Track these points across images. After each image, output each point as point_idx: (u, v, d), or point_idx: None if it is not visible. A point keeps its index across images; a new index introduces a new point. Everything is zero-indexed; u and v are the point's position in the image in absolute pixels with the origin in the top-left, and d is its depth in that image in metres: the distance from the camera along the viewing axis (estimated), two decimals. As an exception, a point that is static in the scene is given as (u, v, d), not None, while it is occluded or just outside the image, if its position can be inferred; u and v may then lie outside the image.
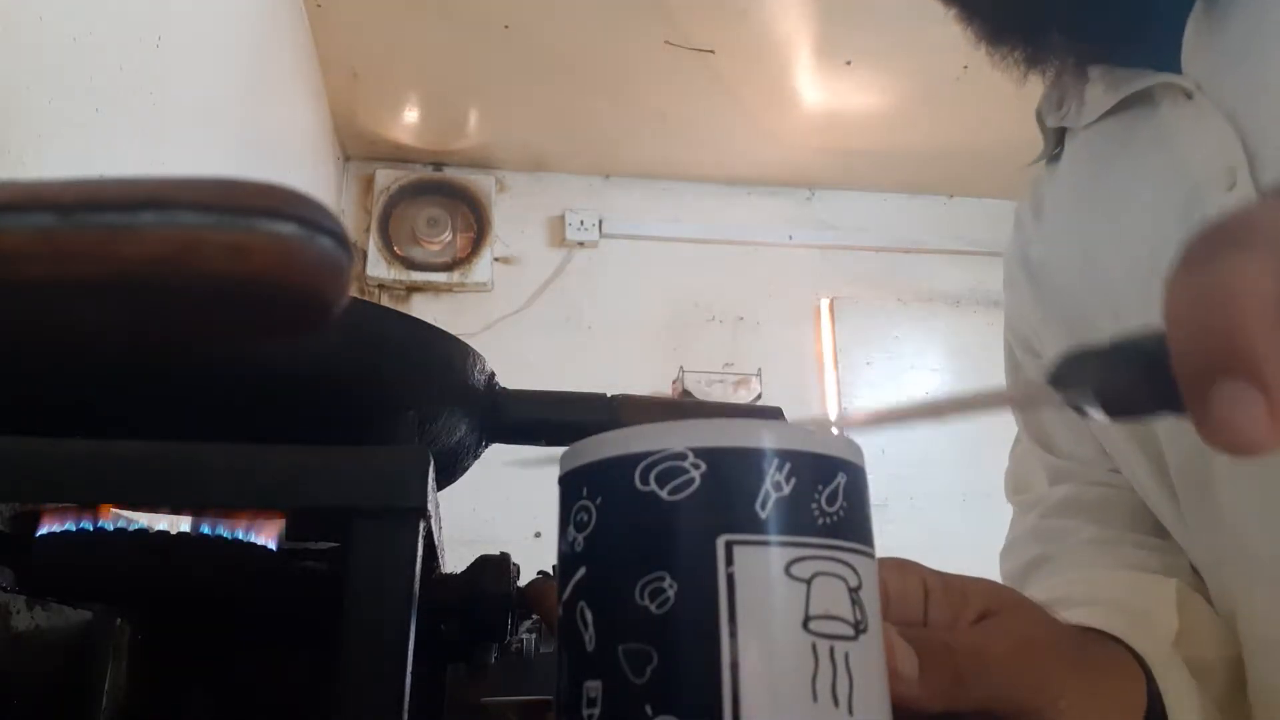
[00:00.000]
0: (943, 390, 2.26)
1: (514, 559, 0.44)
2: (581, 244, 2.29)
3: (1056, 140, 0.63)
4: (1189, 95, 0.50)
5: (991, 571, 0.42)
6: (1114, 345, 0.31)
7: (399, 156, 2.26)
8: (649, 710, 0.23)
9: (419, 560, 0.33)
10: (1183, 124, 0.50)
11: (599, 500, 0.25)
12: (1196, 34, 0.50)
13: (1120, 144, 0.56)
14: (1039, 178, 0.66)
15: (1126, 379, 0.29)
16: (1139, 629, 0.43)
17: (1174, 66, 0.51)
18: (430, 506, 0.35)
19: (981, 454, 2.12)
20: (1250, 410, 0.23)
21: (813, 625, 0.24)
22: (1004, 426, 0.69)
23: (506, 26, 1.81)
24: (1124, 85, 0.54)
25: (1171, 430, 0.50)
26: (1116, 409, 0.30)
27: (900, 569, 0.36)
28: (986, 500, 1.94)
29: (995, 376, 0.79)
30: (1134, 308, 0.52)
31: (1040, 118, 0.63)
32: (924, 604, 0.36)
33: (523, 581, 0.47)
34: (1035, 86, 0.68)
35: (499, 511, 1.76)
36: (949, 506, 2.06)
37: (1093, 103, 0.57)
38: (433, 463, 0.34)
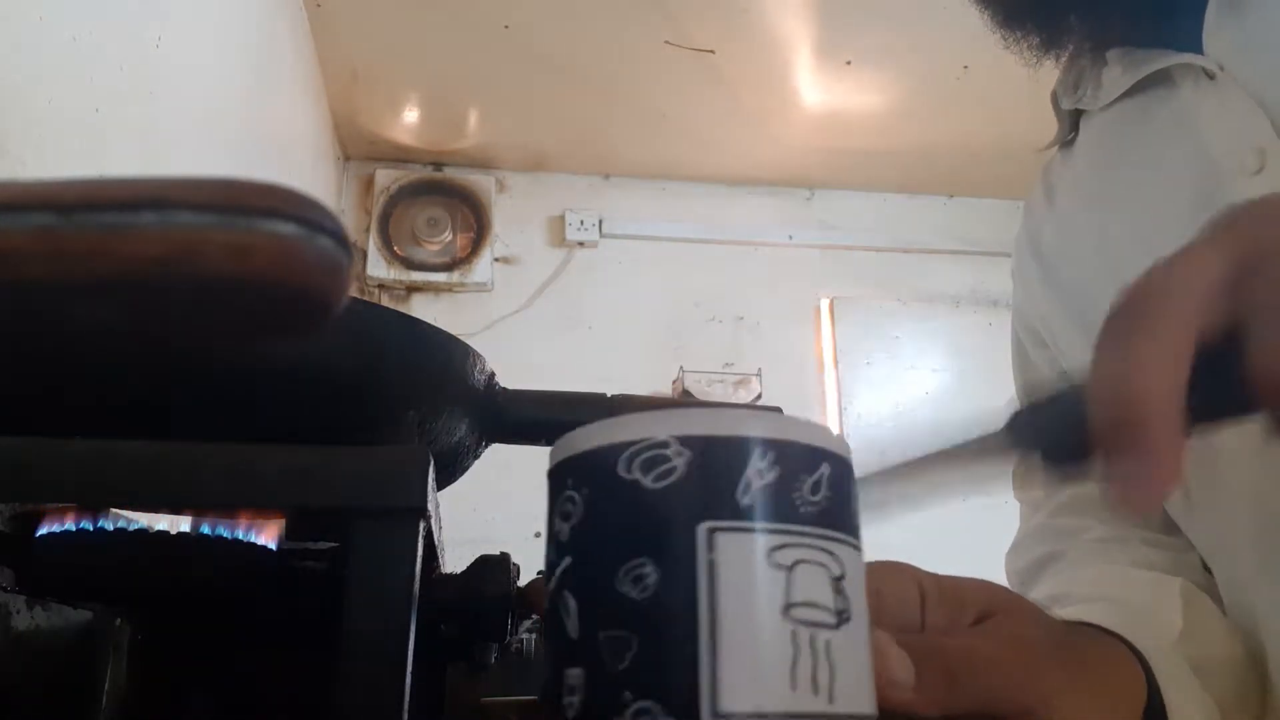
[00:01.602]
0: (943, 390, 2.26)
1: (514, 559, 0.44)
2: (581, 244, 2.29)
3: (1071, 124, 0.61)
4: (1211, 76, 0.49)
5: (991, 572, 0.42)
6: (1056, 397, 0.34)
7: (399, 156, 2.26)
8: (628, 696, 0.23)
9: (419, 560, 0.33)
10: (1205, 105, 0.50)
11: (584, 491, 0.26)
12: (1219, 14, 0.49)
13: (1138, 126, 0.55)
14: (1051, 163, 0.64)
15: (1066, 433, 0.32)
16: (1141, 626, 0.42)
17: (1194, 47, 0.50)
18: (430, 506, 0.35)
19: (981, 454, 2.12)
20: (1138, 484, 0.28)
21: (793, 613, 0.24)
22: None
23: (506, 26, 1.81)
24: (1142, 66, 0.53)
25: None
26: (1055, 461, 0.34)
27: (895, 572, 0.36)
28: (986, 500, 1.95)
29: (996, 376, 0.79)
30: None
31: (1055, 100, 0.62)
32: (920, 608, 0.35)
33: (523, 581, 0.47)
34: (1035, 86, 0.67)
35: (499, 511, 1.76)
36: (949, 506, 2.06)
37: (1110, 84, 0.56)
38: (433, 463, 0.34)
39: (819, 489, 0.25)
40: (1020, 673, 0.34)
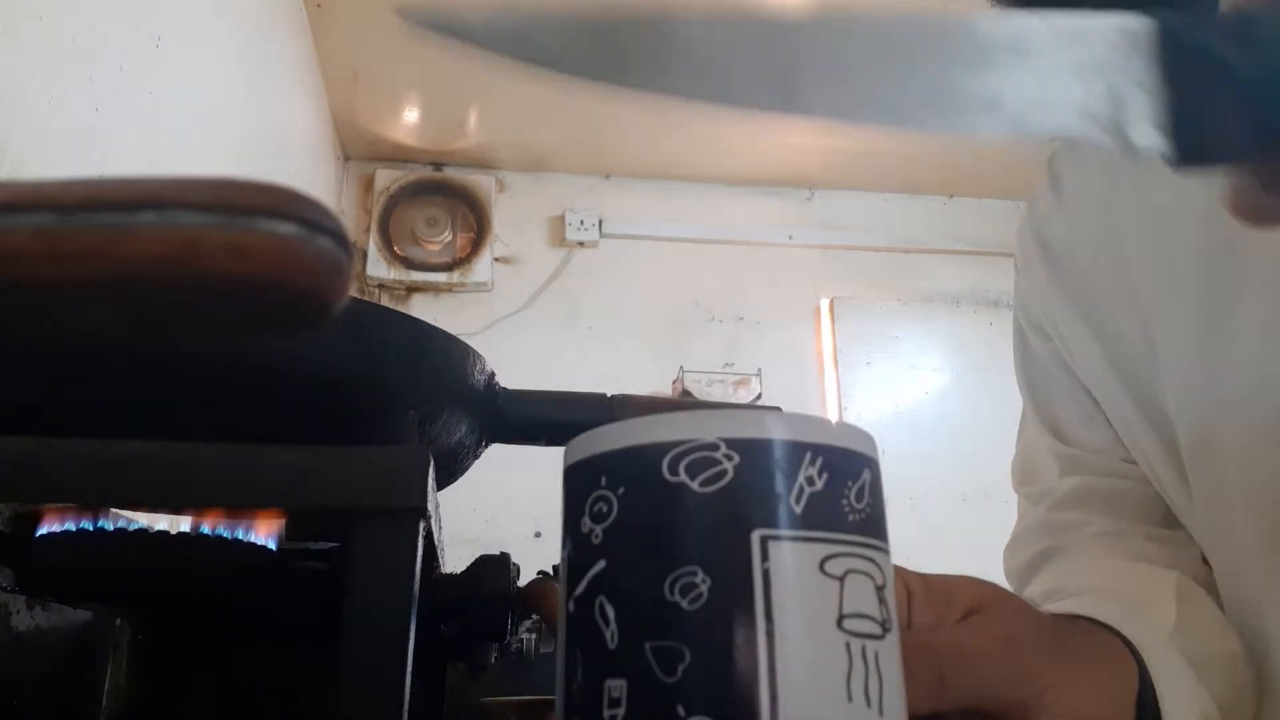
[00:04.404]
0: (943, 390, 2.27)
1: (514, 559, 0.44)
2: (581, 244, 2.29)
3: None
4: None
5: (991, 571, 0.42)
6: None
7: (399, 156, 2.26)
8: (681, 711, 0.22)
9: (419, 560, 0.33)
10: None
11: (621, 490, 0.24)
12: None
13: None
14: (1057, 154, 0.64)
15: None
16: (1134, 617, 0.42)
17: None
18: (430, 506, 0.35)
19: (982, 454, 2.13)
20: None
21: (846, 624, 0.23)
22: (1005, 427, 0.68)
23: (506, 26, 1.81)
24: None
25: (1182, 404, 0.50)
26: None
27: None
28: (986, 500, 1.95)
29: (996, 376, 0.79)
30: (1155, 292, 0.52)
31: None
32: (907, 606, 0.35)
33: (523, 581, 0.47)
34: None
35: (499, 511, 1.76)
36: (949, 506, 2.06)
37: None
38: (433, 463, 0.34)
39: (863, 495, 0.25)
40: (1009, 667, 0.34)
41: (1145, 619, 0.43)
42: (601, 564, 0.24)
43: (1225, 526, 0.50)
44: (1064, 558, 0.57)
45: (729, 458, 0.24)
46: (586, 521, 0.25)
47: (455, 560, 0.50)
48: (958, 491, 2.08)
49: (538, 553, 0.57)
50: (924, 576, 0.36)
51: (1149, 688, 0.39)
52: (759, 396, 2.15)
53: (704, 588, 0.23)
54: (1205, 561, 0.53)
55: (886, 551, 0.25)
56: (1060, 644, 0.38)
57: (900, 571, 0.36)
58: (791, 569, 0.23)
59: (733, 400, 2.11)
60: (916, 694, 0.31)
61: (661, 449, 0.24)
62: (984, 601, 0.37)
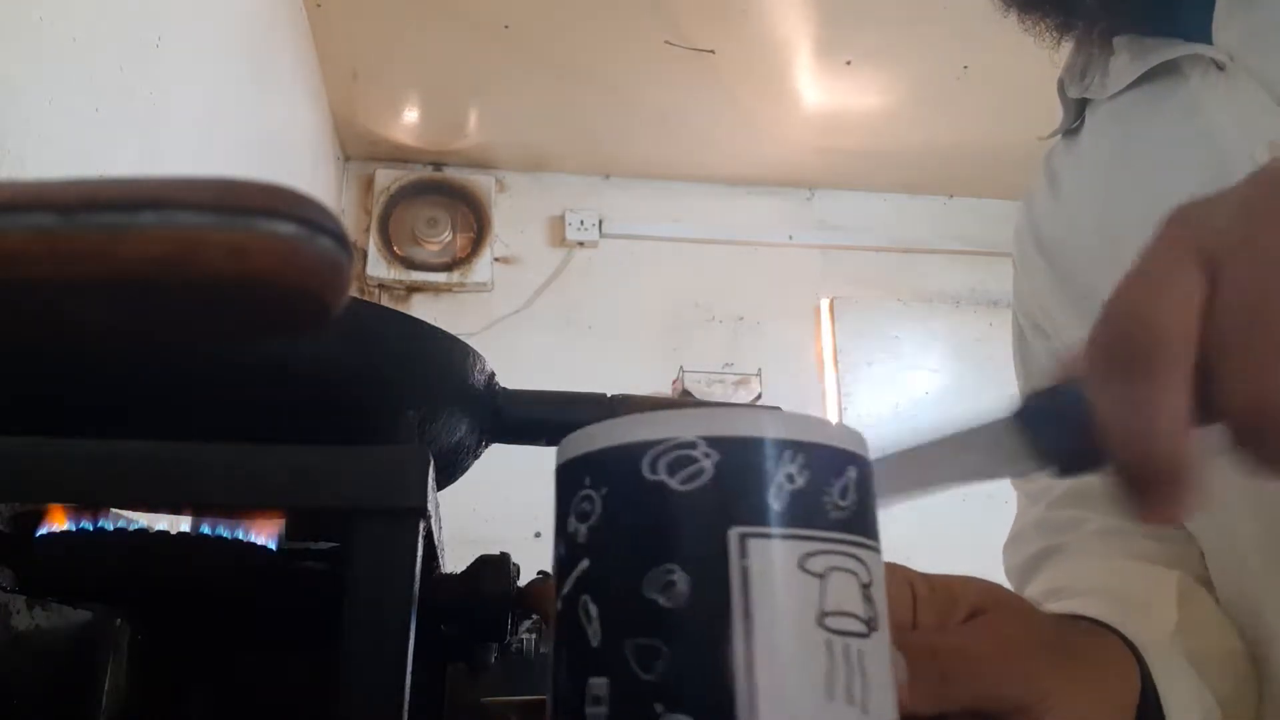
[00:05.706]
0: (943, 390, 2.26)
1: (514, 559, 0.44)
2: (581, 244, 2.29)
3: (1076, 112, 0.61)
4: (1221, 67, 0.49)
5: (992, 571, 0.42)
6: (1056, 392, 0.32)
7: (399, 156, 2.26)
8: (659, 708, 0.22)
9: (419, 560, 0.33)
10: (1214, 96, 0.49)
11: (604, 490, 0.25)
12: (1229, 4, 0.49)
13: (1145, 117, 0.54)
14: (1054, 151, 0.64)
15: (1071, 431, 0.31)
16: (1136, 618, 0.42)
17: (1204, 38, 0.50)
18: (430, 506, 0.35)
19: (981, 454, 2.12)
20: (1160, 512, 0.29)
21: (827, 622, 0.23)
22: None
23: (506, 26, 1.81)
24: (1151, 55, 0.53)
25: None
26: (1066, 464, 0.32)
27: (886, 572, 0.36)
28: (987, 500, 1.94)
29: (996, 376, 0.79)
30: None
31: (1061, 88, 0.61)
32: (911, 607, 0.35)
33: (523, 581, 0.47)
34: (1034, 86, 0.67)
35: (499, 511, 1.76)
36: (949, 506, 2.06)
37: (1117, 74, 0.56)
38: (433, 463, 0.34)
39: (847, 493, 0.25)
40: (1012, 669, 0.34)
41: (1147, 620, 0.43)
42: (585, 563, 0.25)
43: (1226, 529, 0.50)
44: (1064, 556, 0.57)
45: (708, 455, 0.24)
46: (573, 521, 0.25)
47: (455, 560, 0.50)
48: (958, 491, 2.08)
49: (538, 553, 0.57)
50: (928, 577, 0.36)
51: (1151, 689, 0.39)
52: (759, 397, 2.15)
53: (683, 585, 0.23)
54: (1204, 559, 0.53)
55: (875, 550, 0.25)
56: (1063, 646, 0.38)
57: (905, 572, 0.36)
58: (770, 566, 0.23)
59: (733, 400, 2.11)
60: (919, 694, 0.31)
61: (641, 448, 0.24)
62: (988, 603, 0.37)
